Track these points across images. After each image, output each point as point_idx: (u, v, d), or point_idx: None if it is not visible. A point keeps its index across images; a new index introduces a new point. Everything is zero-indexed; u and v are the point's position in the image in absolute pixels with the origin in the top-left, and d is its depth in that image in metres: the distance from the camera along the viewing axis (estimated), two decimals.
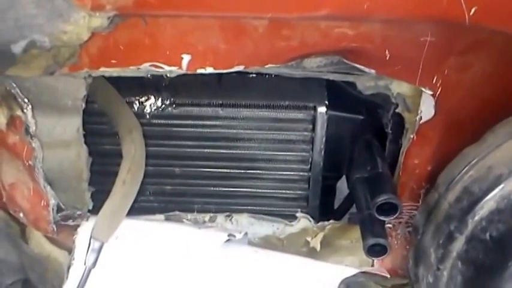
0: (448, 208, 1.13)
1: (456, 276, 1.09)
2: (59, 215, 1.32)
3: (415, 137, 1.19)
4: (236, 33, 1.07)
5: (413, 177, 1.25)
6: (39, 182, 1.26)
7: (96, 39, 1.04)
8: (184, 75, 1.14)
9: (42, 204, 1.28)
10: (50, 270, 1.34)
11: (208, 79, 1.26)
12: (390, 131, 1.31)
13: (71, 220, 1.32)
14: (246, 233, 1.30)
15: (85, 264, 1.16)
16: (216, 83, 1.33)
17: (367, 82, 1.20)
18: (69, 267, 1.25)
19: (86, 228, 1.25)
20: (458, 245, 1.08)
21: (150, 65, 1.11)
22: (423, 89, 1.12)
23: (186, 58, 1.10)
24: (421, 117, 1.16)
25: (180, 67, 1.11)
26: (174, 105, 1.33)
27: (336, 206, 1.55)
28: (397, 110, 1.21)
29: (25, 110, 1.18)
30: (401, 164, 1.25)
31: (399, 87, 1.18)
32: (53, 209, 1.30)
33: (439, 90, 1.11)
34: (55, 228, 1.31)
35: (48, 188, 1.28)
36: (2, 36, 0.97)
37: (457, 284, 1.10)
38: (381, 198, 1.14)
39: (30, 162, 1.23)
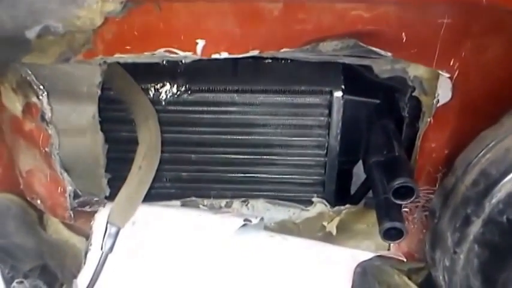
0: (465, 191, 1.12)
1: (473, 259, 1.09)
2: (76, 201, 1.33)
3: (432, 121, 1.18)
4: (251, 17, 1.06)
5: (430, 160, 1.24)
6: (56, 168, 1.27)
7: (111, 25, 1.05)
8: (199, 61, 1.14)
9: (59, 190, 1.30)
10: (68, 256, 1.35)
11: (224, 65, 1.26)
12: (407, 115, 1.31)
13: (88, 206, 1.34)
14: (262, 218, 1.30)
15: (102, 249, 1.17)
16: (232, 69, 1.33)
17: (383, 65, 1.20)
18: (86, 253, 1.27)
19: (102, 214, 1.26)
20: (475, 228, 1.07)
21: (165, 51, 1.11)
22: (440, 72, 1.11)
23: (200, 43, 1.09)
24: (438, 100, 1.15)
25: (195, 52, 1.11)
26: (189, 92, 1.33)
27: (352, 191, 1.55)
28: (413, 94, 1.20)
29: (40, 97, 1.19)
30: (418, 147, 1.24)
31: (416, 70, 1.16)
32: (70, 196, 1.31)
33: (456, 72, 1.10)
34: (72, 215, 1.33)
35: (65, 174, 1.29)
36: (15, 22, 0.98)
37: (473, 267, 1.09)
38: (398, 182, 1.13)
39: (46, 149, 1.25)
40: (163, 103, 1.34)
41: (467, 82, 1.12)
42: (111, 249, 1.17)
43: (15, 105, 1.20)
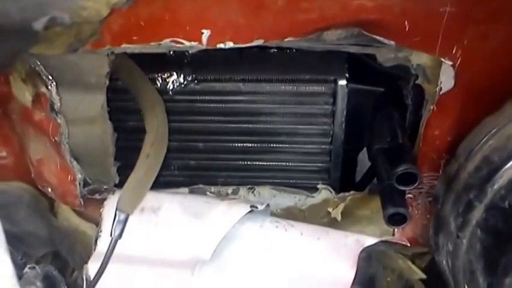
0: (468, 177, 1.13)
1: (476, 244, 1.10)
2: (86, 189, 1.35)
3: (435, 108, 1.19)
4: (255, 6, 1.07)
5: (433, 147, 1.26)
6: (66, 157, 1.29)
7: (117, 15, 1.05)
8: (205, 51, 1.15)
9: (69, 179, 1.32)
10: (78, 243, 1.38)
11: (230, 55, 1.27)
12: (410, 103, 1.32)
13: (97, 194, 1.36)
14: (268, 205, 1.32)
15: (111, 235, 1.20)
16: (238, 59, 1.34)
17: (387, 54, 1.20)
18: (96, 239, 1.29)
19: (112, 202, 1.28)
20: (478, 213, 1.08)
21: (171, 41, 1.11)
22: (443, 60, 1.11)
23: (205, 33, 1.10)
24: (441, 88, 1.15)
25: (200, 42, 1.11)
26: (196, 81, 1.35)
27: (357, 179, 1.56)
28: (417, 82, 1.21)
29: (49, 87, 1.21)
30: (421, 134, 1.25)
31: (419, 59, 1.17)
32: (79, 184, 1.33)
33: (459, 60, 1.11)
34: (82, 202, 1.35)
35: (75, 163, 1.31)
36: (22, 14, 0.99)
37: (476, 252, 1.11)
38: (401, 168, 1.15)
39: (56, 138, 1.26)
40: (171, 93, 1.35)
41: (469, 69, 1.12)
42: (120, 235, 1.20)
43: (25, 95, 1.21)
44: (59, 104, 1.23)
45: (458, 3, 1.04)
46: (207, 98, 1.37)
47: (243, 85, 1.35)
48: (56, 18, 0.99)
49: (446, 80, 1.15)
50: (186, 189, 1.41)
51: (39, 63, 1.18)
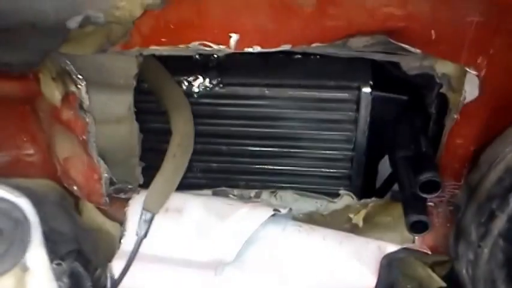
0: (490, 187, 1.14)
1: (497, 254, 1.11)
2: (111, 188, 1.36)
3: (458, 117, 1.19)
4: (283, 12, 1.08)
5: (456, 156, 1.26)
6: (93, 156, 1.30)
7: (148, 17, 1.07)
8: (231, 55, 1.16)
9: (95, 177, 1.33)
10: (102, 241, 1.39)
11: (255, 60, 1.28)
12: (434, 111, 1.32)
13: (122, 193, 1.37)
14: (290, 209, 1.33)
15: (137, 234, 1.21)
16: (262, 64, 1.35)
17: (412, 62, 1.20)
18: (120, 238, 1.31)
19: (137, 201, 1.30)
20: (500, 223, 1.09)
21: (199, 44, 1.13)
22: (468, 69, 1.12)
23: (234, 37, 1.12)
24: (465, 97, 1.15)
25: (228, 46, 1.13)
26: (221, 85, 1.36)
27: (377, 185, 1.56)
28: (441, 90, 1.20)
29: (79, 86, 1.21)
30: (444, 143, 1.25)
31: (444, 67, 1.16)
32: (105, 183, 1.34)
33: (484, 70, 1.11)
34: (107, 201, 1.37)
35: (102, 162, 1.32)
36: (57, 12, 1.00)
37: (498, 262, 1.11)
38: (424, 176, 1.16)
39: (84, 137, 1.27)
40: (196, 96, 1.36)
41: (494, 79, 1.13)
42: (145, 234, 1.21)
43: (54, 94, 1.22)
44: (87, 103, 1.24)
45: (486, 13, 1.04)
46: (231, 101, 1.38)
47: (267, 90, 1.36)
48: (90, 17, 1.01)
49: (471, 90, 1.15)
50: (209, 191, 1.42)
51: (69, 62, 1.19)
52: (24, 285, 0.91)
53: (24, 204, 0.92)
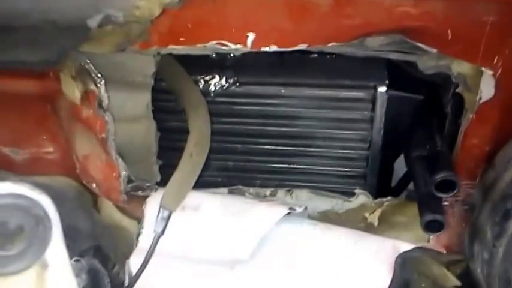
0: (505, 187, 1.14)
1: None
2: (129, 186, 1.38)
3: (474, 117, 1.19)
4: (300, 11, 1.10)
5: (471, 156, 1.26)
6: (112, 154, 1.31)
7: (166, 17, 1.09)
8: (247, 54, 1.18)
9: (113, 175, 1.34)
10: (120, 238, 1.40)
11: (271, 59, 1.30)
12: (450, 111, 1.32)
13: (140, 191, 1.38)
14: (305, 208, 1.34)
15: (155, 231, 1.22)
16: (278, 63, 1.36)
17: (428, 62, 1.20)
18: (138, 235, 1.32)
19: (154, 199, 1.31)
20: None
21: (216, 43, 1.14)
22: (484, 69, 1.12)
23: (251, 36, 1.13)
24: (481, 97, 1.16)
25: (245, 45, 1.14)
26: (237, 84, 1.36)
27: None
28: (457, 90, 1.21)
29: (98, 85, 1.23)
30: (460, 143, 1.25)
31: (460, 67, 1.17)
32: (123, 180, 1.35)
33: (500, 70, 1.11)
34: (125, 198, 1.38)
35: (120, 160, 1.33)
36: (78, 11, 1.02)
37: None
38: (440, 176, 1.16)
39: (103, 135, 1.28)
40: (212, 94, 1.37)
41: (510, 79, 1.13)
42: (163, 231, 1.23)
43: (74, 92, 1.23)
44: (106, 102, 1.25)
45: (502, 13, 1.04)
46: (247, 100, 1.38)
47: (283, 89, 1.36)
48: (110, 16, 1.03)
49: (487, 90, 1.15)
50: (225, 190, 1.43)
51: (88, 61, 1.21)
52: (44, 281, 0.93)
53: (45, 201, 0.93)
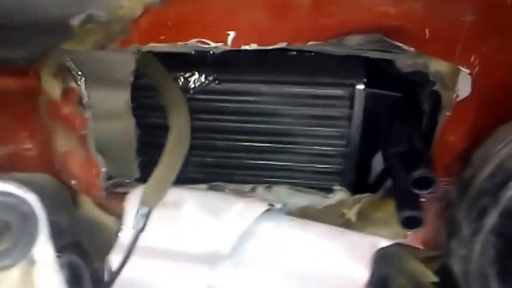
0: (482, 183, 1.16)
1: (489, 250, 1.12)
2: (109, 182, 1.38)
3: (451, 115, 1.21)
4: (280, 10, 1.10)
5: (448, 153, 1.28)
6: (91, 151, 1.31)
7: (147, 15, 1.09)
8: (227, 52, 1.18)
9: (93, 172, 1.34)
10: (100, 234, 1.39)
11: (250, 56, 1.30)
12: (427, 108, 1.33)
13: (120, 187, 1.39)
14: (285, 204, 1.35)
15: (134, 228, 1.23)
16: (258, 60, 1.36)
17: (406, 60, 1.21)
18: (117, 232, 1.32)
19: (134, 195, 1.31)
20: (492, 219, 1.11)
21: (197, 41, 1.15)
22: (461, 68, 1.14)
23: (231, 34, 1.14)
24: (457, 95, 1.17)
25: (226, 43, 1.15)
26: (217, 81, 1.37)
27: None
28: (434, 88, 1.22)
29: (79, 82, 1.23)
30: (437, 140, 1.27)
31: (437, 66, 1.18)
32: (103, 177, 1.36)
33: (476, 68, 1.13)
34: (105, 195, 1.38)
35: (99, 156, 1.33)
36: (61, 10, 1.02)
37: (489, 257, 1.13)
38: (417, 173, 1.17)
39: (83, 132, 1.29)
40: (192, 91, 1.37)
41: (486, 78, 1.15)
42: (143, 228, 1.23)
43: (55, 90, 1.23)
44: (87, 99, 1.25)
45: (479, 12, 1.06)
46: (227, 97, 1.39)
47: (262, 86, 1.37)
48: (92, 15, 1.03)
49: (463, 88, 1.17)
50: (205, 186, 1.43)
51: (69, 59, 1.21)
52: (31, 277, 0.94)
53: (32, 199, 0.94)
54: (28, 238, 0.94)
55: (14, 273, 0.92)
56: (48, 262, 0.96)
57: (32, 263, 0.94)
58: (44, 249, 0.95)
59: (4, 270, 0.92)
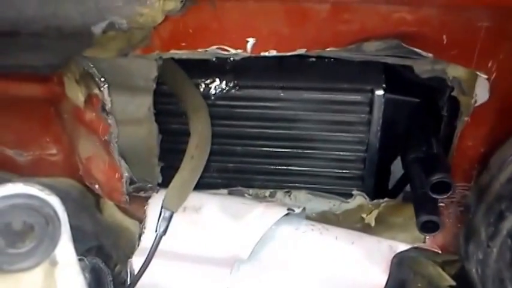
0: (500, 188, 1.16)
1: (506, 254, 1.12)
2: (132, 187, 1.40)
3: (469, 120, 1.21)
4: (299, 17, 1.11)
5: (466, 158, 1.28)
6: (114, 156, 1.33)
7: (168, 22, 1.11)
8: (247, 58, 1.20)
9: (116, 176, 1.37)
10: (122, 238, 1.43)
11: (270, 62, 1.31)
12: (445, 114, 1.33)
13: (142, 192, 1.41)
14: (304, 208, 1.36)
15: (156, 231, 1.25)
16: (277, 67, 1.37)
17: (424, 66, 1.21)
18: (140, 236, 1.35)
19: (156, 200, 1.33)
20: (509, 223, 1.10)
21: (217, 48, 1.17)
22: (478, 73, 1.14)
23: (250, 41, 1.15)
24: (475, 100, 1.18)
25: (245, 50, 1.16)
26: (237, 87, 1.38)
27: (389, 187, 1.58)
28: (452, 93, 1.22)
29: (102, 89, 1.25)
30: (455, 145, 1.27)
31: (455, 71, 1.18)
32: (126, 181, 1.38)
33: (494, 74, 1.13)
34: (127, 199, 1.40)
35: (122, 161, 1.35)
36: (83, 18, 1.04)
37: (506, 261, 1.12)
38: (436, 177, 1.18)
39: (106, 137, 1.31)
40: (212, 98, 1.39)
41: (504, 83, 1.15)
42: (164, 231, 1.25)
43: (78, 96, 1.25)
44: (109, 105, 1.28)
45: (496, 18, 1.06)
46: (247, 103, 1.40)
47: (282, 92, 1.38)
48: (114, 23, 1.05)
49: (481, 93, 1.17)
50: (225, 191, 1.45)
51: (92, 65, 1.23)
52: (53, 278, 0.95)
53: (55, 201, 0.96)
54: (50, 239, 0.95)
55: (37, 274, 0.94)
56: (70, 263, 0.98)
57: (54, 264, 0.96)
58: (66, 250, 0.97)
59: (27, 271, 0.94)
